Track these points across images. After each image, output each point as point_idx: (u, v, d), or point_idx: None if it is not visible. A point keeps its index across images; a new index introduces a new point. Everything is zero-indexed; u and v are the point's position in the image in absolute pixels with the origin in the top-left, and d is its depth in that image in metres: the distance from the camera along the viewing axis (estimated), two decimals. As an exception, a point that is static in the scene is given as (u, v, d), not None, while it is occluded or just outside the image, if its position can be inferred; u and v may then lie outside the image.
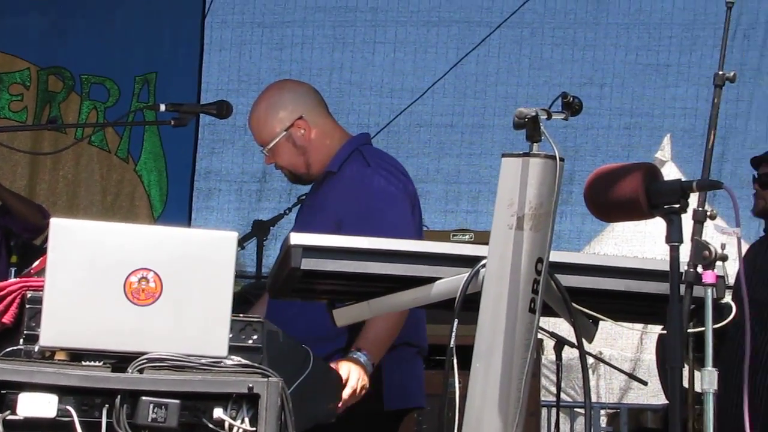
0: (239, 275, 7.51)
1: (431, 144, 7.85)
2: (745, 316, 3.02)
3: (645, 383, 6.65)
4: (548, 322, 5.56)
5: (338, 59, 7.80)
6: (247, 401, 3.07)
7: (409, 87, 7.74)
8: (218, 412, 3.06)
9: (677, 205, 3.16)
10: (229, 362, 3.13)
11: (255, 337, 3.36)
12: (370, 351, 4.02)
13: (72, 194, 7.65)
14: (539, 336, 6.01)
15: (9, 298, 3.32)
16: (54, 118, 6.57)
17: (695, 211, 3.18)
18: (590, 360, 8.26)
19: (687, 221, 3.21)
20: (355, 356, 4.01)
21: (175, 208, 7.67)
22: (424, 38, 7.79)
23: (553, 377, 6.25)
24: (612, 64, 7.66)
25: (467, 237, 6.19)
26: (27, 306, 3.24)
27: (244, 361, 3.16)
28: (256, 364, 3.16)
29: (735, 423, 3.24)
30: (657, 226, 3.30)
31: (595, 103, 7.59)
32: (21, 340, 3.20)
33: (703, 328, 3.07)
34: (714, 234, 3.24)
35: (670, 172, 8.12)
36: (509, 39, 7.69)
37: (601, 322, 3.60)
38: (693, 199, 3.32)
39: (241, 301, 5.67)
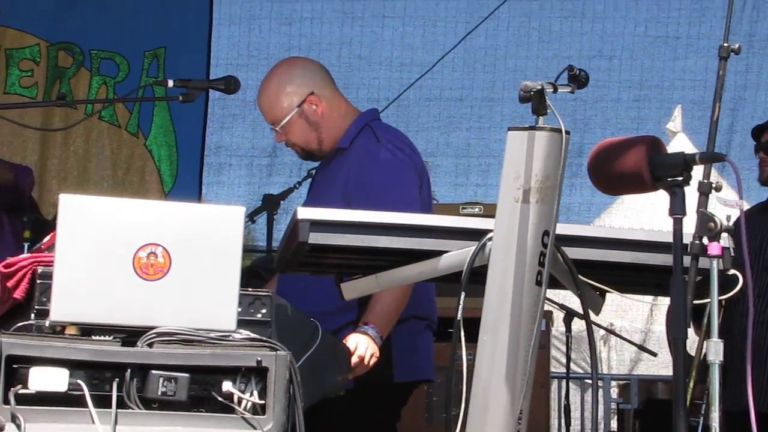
0: (250, 249, 7.52)
1: (441, 118, 7.84)
2: (749, 286, 3.03)
3: (655, 354, 6.66)
4: (558, 295, 5.56)
5: (347, 34, 7.78)
6: (256, 375, 3.09)
7: (418, 61, 7.71)
8: (227, 386, 3.07)
9: (680, 178, 3.16)
10: (237, 336, 3.15)
11: (264, 311, 3.38)
12: (378, 324, 4.05)
13: (82, 169, 7.65)
14: (549, 308, 6.03)
15: (20, 274, 3.34)
16: (63, 94, 6.56)
17: (700, 183, 3.18)
18: (601, 332, 8.28)
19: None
20: (362, 329, 4.04)
21: (186, 183, 7.67)
22: (432, 12, 7.76)
23: (564, 349, 6.27)
24: (621, 37, 7.62)
25: (476, 210, 6.21)
26: (38, 281, 3.26)
27: (252, 335, 3.17)
28: (264, 338, 3.17)
29: (742, 392, 3.26)
30: (667, 198, 3.29)
31: (605, 76, 7.56)
32: (32, 315, 3.22)
33: (707, 300, 3.08)
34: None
35: (682, 144, 8.10)
36: (518, 12, 7.66)
37: (611, 294, 3.61)
38: (699, 172, 3.33)
39: (252, 276, 5.69)
